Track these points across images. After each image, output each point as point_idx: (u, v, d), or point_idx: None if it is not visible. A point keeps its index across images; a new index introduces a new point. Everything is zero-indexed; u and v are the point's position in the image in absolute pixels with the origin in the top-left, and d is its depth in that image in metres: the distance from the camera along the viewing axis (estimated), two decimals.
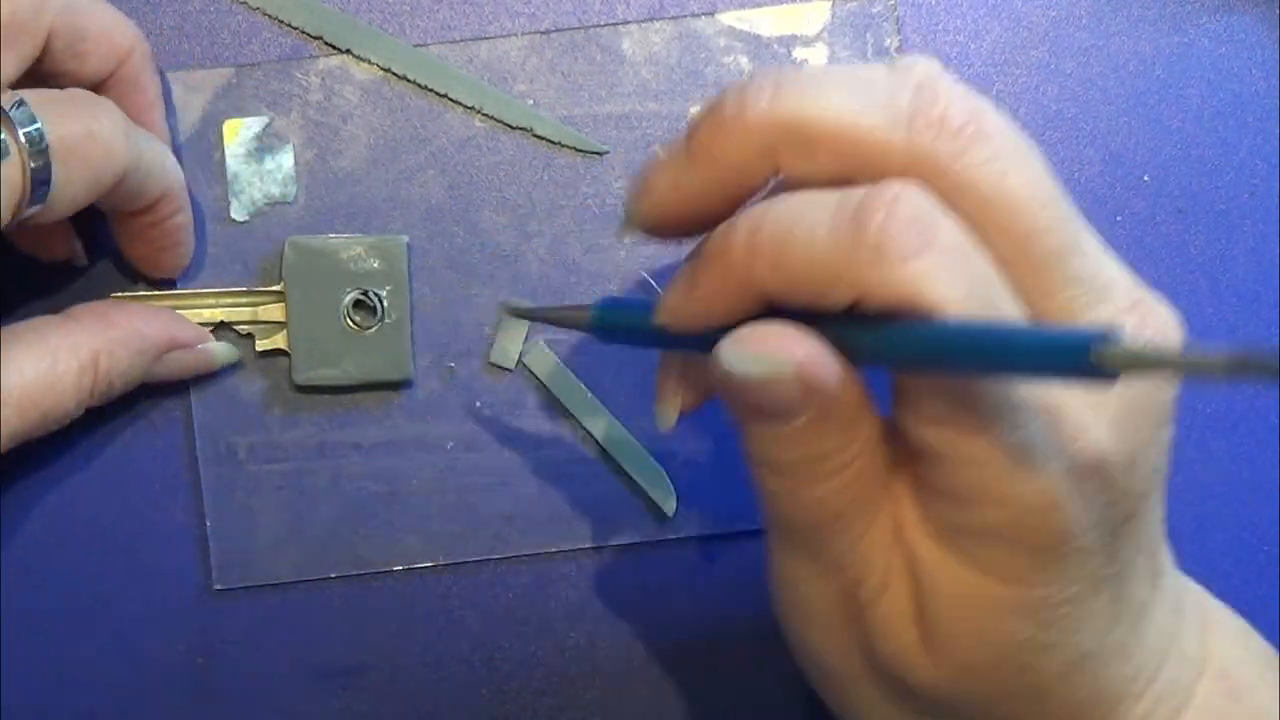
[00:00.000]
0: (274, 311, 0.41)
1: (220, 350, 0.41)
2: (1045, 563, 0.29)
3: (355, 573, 0.41)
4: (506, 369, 0.42)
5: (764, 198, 0.31)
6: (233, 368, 0.41)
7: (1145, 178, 0.43)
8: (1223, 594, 0.35)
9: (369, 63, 0.42)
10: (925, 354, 0.28)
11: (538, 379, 0.42)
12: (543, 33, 0.42)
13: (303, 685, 0.41)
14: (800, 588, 0.32)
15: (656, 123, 0.42)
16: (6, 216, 0.34)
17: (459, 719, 0.41)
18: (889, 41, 0.43)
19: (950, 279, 0.27)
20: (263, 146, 0.42)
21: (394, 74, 0.42)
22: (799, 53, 0.42)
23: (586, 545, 0.41)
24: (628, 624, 0.41)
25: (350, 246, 0.41)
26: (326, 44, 0.42)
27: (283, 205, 0.42)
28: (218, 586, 0.41)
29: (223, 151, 0.42)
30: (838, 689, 0.33)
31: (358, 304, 0.41)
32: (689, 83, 0.42)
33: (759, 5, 0.42)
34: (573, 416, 0.41)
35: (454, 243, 0.42)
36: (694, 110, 0.42)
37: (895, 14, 0.43)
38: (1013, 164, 0.29)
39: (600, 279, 0.42)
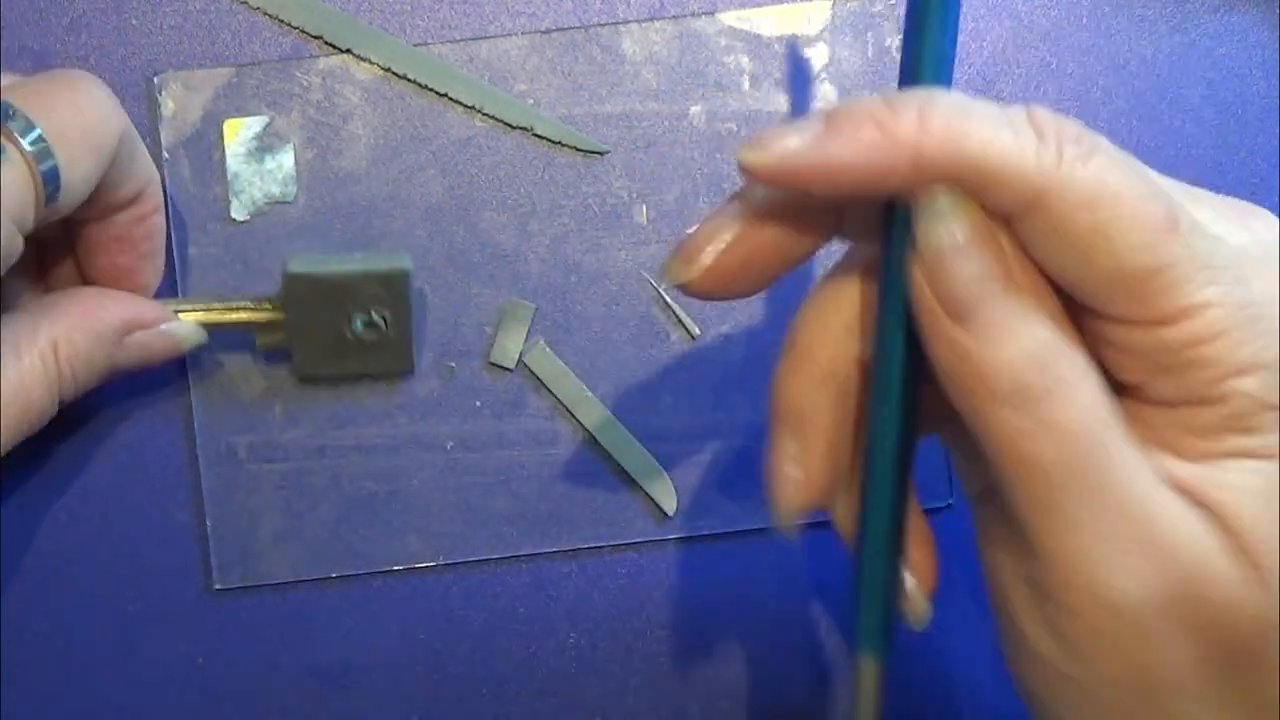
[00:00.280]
0: (275, 311, 0.40)
1: (184, 331, 0.39)
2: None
3: (355, 573, 0.41)
4: (506, 369, 0.42)
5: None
6: (233, 367, 0.41)
7: None
8: None
9: (369, 63, 0.42)
10: None
11: (538, 379, 0.42)
12: (543, 32, 0.42)
13: (303, 685, 0.41)
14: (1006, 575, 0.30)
15: (656, 123, 0.42)
16: (30, 219, 0.34)
17: (459, 719, 0.41)
18: (889, 41, 0.43)
19: (1125, 178, 0.27)
20: (263, 146, 0.42)
21: (394, 74, 0.42)
22: (799, 53, 0.42)
23: (586, 545, 0.41)
24: (628, 624, 0.41)
25: (351, 274, 0.40)
26: (326, 44, 0.42)
27: (283, 205, 0.42)
28: (218, 586, 0.41)
29: (223, 151, 0.42)
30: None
31: (364, 322, 0.40)
32: (689, 83, 0.42)
33: (759, 5, 0.42)
34: (573, 416, 0.41)
35: (454, 243, 0.42)
36: (695, 109, 0.42)
37: (895, 14, 0.43)
38: (1124, 171, 0.28)
39: (600, 279, 0.42)
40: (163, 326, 0.39)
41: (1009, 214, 0.28)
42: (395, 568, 0.41)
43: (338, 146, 0.42)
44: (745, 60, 0.42)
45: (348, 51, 0.42)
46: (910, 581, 0.31)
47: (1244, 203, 0.30)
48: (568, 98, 0.42)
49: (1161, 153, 0.43)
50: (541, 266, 0.42)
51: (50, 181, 0.34)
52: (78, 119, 0.35)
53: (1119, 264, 0.27)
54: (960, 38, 0.43)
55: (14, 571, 0.40)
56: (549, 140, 0.42)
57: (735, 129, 0.42)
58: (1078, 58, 0.43)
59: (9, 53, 0.42)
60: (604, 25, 0.42)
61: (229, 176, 0.42)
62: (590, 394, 0.41)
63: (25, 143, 0.33)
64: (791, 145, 0.28)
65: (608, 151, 0.42)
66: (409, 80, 0.42)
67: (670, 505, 0.41)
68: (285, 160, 0.42)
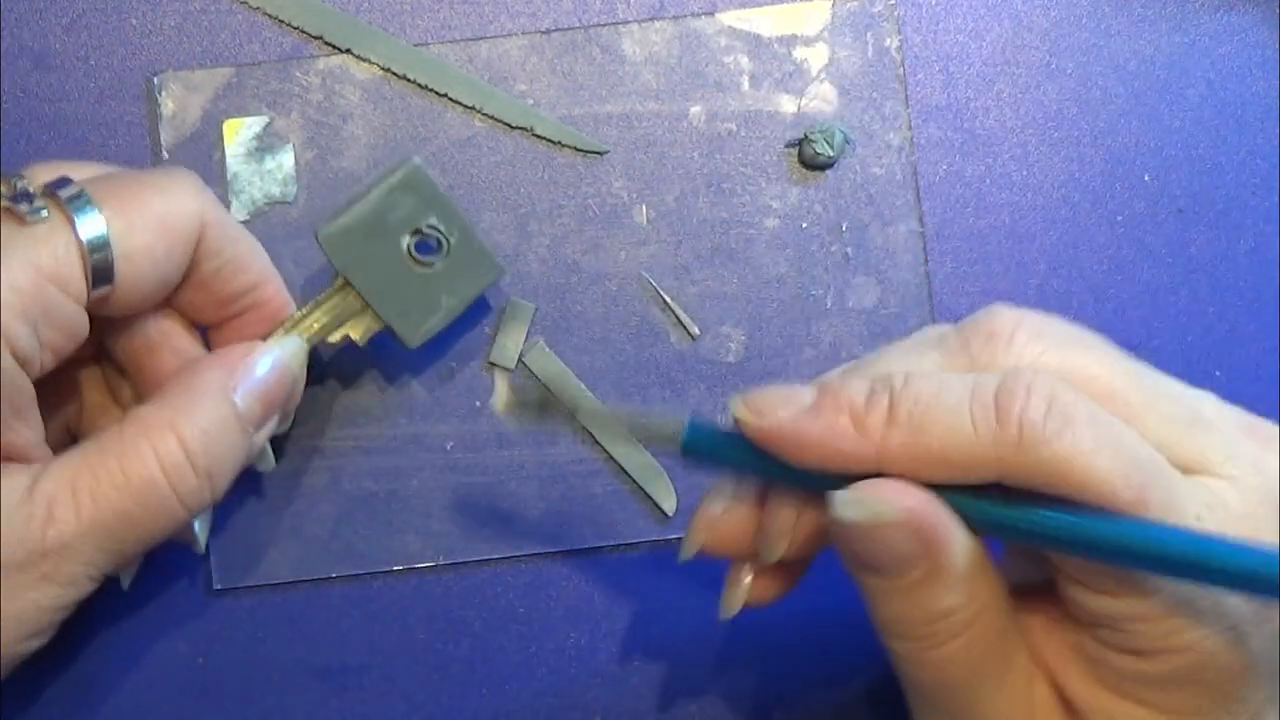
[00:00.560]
0: (348, 303, 0.39)
1: (292, 349, 0.38)
2: (1229, 693, 0.29)
3: (355, 573, 0.41)
4: (506, 369, 0.42)
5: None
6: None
7: (1145, 178, 0.43)
8: None
9: (369, 63, 0.42)
10: (1082, 542, 0.29)
11: (538, 379, 0.42)
12: (543, 32, 0.42)
13: (303, 685, 0.41)
14: None
15: (656, 123, 0.42)
16: (78, 287, 0.33)
17: (459, 719, 0.41)
18: (889, 41, 0.43)
19: (1096, 454, 0.28)
20: (263, 146, 0.42)
21: (394, 74, 0.42)
22: (799, 53, 0.42)
23: (586, 545, 0.41)
24: (628, 624, 0.41)
25: (374, 200, 0.38)
26: (326, 44, 0.42)
27: (283, 205, 0.42)
28: (218, 586, 0.41)
29: (223, 151, 0.42)
30: None
31: (418, 246, 0.39)
32: (689, 83, 0.42)
33: (759, 5, 0.42)
34: (573, 417, 0.41)
35: None
36: (695, 109, 0.42)
37: (895, 14, 0.43)
38: (1095, 440, 0.29)
39: (600, 279, 0.42)
40: (269, 363, 0.37)
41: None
42: (395, 568, 0.41)
43: (338, 146, 0.42)
44: (745, 60, 0.42)
45: (348, 51, 0.42)
46: (747, 578, 0.35)
47: (1270, 425, 0.31)
48: (568, 98, 0.42)
49: (1161, 153, 0.43)
50: (541, 266, 0.42)
51: (99, 247, 0.33)
52: (142, 198, 0.34)
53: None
54: (960, 38, 0.43)
55: None
56: (549, 140, 0.42)
57: (735, 129, 0.42)
58: (1078, 58, 0.43)
59: (9, 53, 0.42)
60: (604, 25, 0.42)
61: (229, 176, 0.42)
62: (590, 394, 0.41)
63: (71, 207, 0.33)
64: (782, 418, 0.31)
65: (608, 151, 0.42)
66: (409, 80, 0.42)
67: (670, 505, 0.41)
68: (285, 160, 0.42)
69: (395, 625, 0.41)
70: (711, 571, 0.42)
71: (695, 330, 0.42)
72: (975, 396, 0.29)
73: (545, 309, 0.42)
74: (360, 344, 0.39)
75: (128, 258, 0.34)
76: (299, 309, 0.38)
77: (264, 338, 0.38)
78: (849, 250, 0.42)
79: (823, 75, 0.42)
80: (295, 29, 0.42)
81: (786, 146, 0.42)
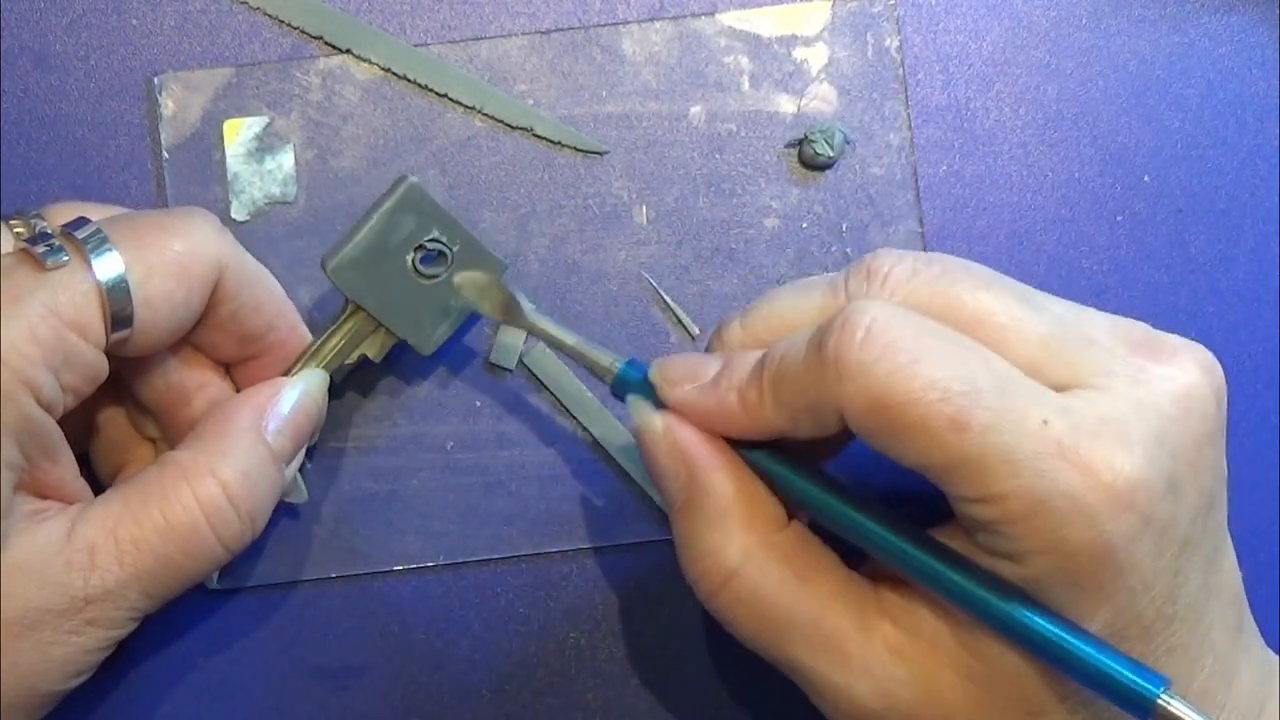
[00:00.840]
0: (362, 326, 0.39)
1: (315, 383, 0.39)
2: (1106, 597, 0.29)
3: (355, 573, 0.41)
4: (506, 369, 0.42)
5: None
6: None
7: (1145, 178, 0.43)
8: None
9: (369, 63, 0.42)
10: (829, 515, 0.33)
11: (538, 379, 0.42)
12: (543, 33, 0.42)
13: (303, 685, 0.41)
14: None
15: (656, 123, 0.42)
16: (96, 332, 0.33)
17: (459, 719, 0.41)
18: (889, 42, 0.43)
19: (912, 377, 0.28)
20: (263, 146, 0.42)
21: (394, 74, 0.42)
22: (799, 53, 0.42)
23: (586, 545, 0.41)
24: (628, 624, 0.41)
25: (376, 225, 0.38)
26: (326, 44, 0.42)
27: (283, 205, 0.42)
28: (218, 586, 0.41)
29: (223, 151, 0.42)
30: None
31: (423, 259, 0.39)
32: (689, 83, 0.42)
33: (759, 5, 0.42)
34: (573, 416, 0.41)
35: None
36: (695, 110, 0.42)
37: (895, 14, 0.43)
38: (912, 363, 0.30)
39: (600, 279, 0.42)
40: (295, 398, 0.37)
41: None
42: (395, 568, 0.41)
43: (337, 147, 0.42)
44: (745, 60, 0.42)
45: (348, 51, 0.42)
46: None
47: (1172, 339, 0.32)
48: (568, 98, 0.42)
49: (1161, 153, 0.43)
50: (541, 266, 0.42)
51: (118, 292, 0.33)
52: (161, 242, 0.34)
53: (916, 461, 0.29)
54: (960, 38, 0.43)
55: None
56: (549, 140, 0.42)
57: (735, 129, 0.42)
58: (1078, 58, 0.43)
59: (9, 53, 0.42)
60: (604, 25, 0.42)
61: (229, 177, 0.42)
62: (590, 394, 0.41)
63: (90, 250, 0.33)
64: (687, 392, 0.33)
65: (607, 152, 0.42)
66: (409, 80, 0.42)
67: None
68: (285, 160, 0.42)
69: (395, 625, 0.41)
70: None
71: (695, 330, 0.42)
72: (809, 341, 0.30)
73: (545, 309, 0.42)
74: (376, 361, 0.39)
75: (147, 303, 0.34)
76: (314, 337, 0.39)
77: (286, 373, 0.38)
78: (849, 250, 0.42)
79: (822, 75, 0.42)
80: (295, 29, 0.42)
81: (786, 147, 0.42)
